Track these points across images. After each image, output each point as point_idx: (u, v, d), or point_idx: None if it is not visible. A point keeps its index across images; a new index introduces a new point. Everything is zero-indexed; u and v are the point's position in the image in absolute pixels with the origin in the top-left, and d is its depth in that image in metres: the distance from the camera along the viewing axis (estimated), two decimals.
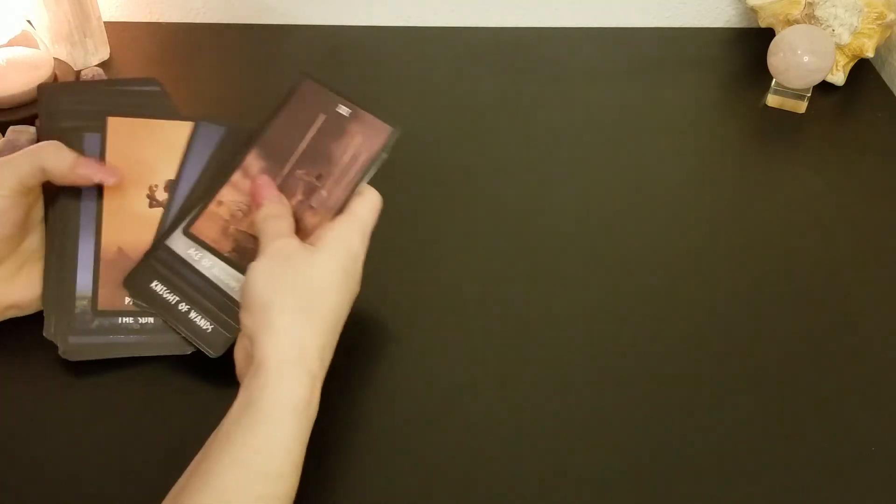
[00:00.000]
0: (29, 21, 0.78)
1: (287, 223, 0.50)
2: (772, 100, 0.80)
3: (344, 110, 0.53)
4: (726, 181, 0.72)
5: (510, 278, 0.62)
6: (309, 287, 0.47)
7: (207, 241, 0.53)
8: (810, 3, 0.81)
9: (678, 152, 0.75)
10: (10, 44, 0.74)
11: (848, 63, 0.83)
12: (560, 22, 0.92)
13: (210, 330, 0.52)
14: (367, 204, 0.52)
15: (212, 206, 0.53)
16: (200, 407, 0.52)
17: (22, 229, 0.53)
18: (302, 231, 0.51)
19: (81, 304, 0.53)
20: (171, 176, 0.56)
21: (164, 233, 0.54)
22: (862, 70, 0.85)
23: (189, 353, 0.53)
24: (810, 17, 0.81)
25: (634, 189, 0.70)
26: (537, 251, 0.64)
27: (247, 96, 0.80)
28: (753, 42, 0.89)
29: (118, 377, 0.54)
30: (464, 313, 0.59)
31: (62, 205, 0.55)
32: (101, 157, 0.56)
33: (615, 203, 0.69)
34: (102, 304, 0.53)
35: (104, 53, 0.84)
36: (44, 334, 0.53)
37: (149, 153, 0.56)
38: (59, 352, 0.53)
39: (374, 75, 0.84)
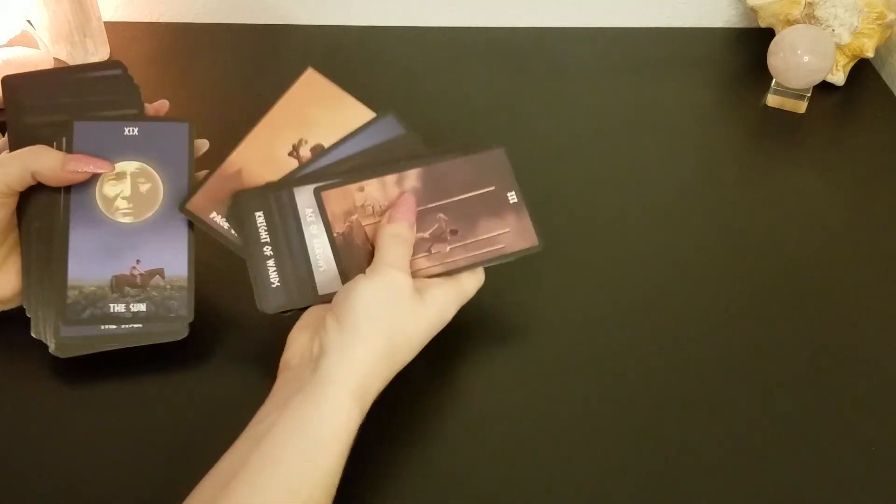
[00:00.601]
0: (29, 21, 0.78)
1: (408, 253, 0.51)
2: (772, 100, 0.80)
3: (512, 198, 0.55)
4: (726, 181, 0.72)
5: (510, 278, 0.62)
6: (402, 338, 0.47)
7: (328, 211, 0.52)
8: (810, 3, 0.81)
9: (678, 152, 0.75)
10: (10, 44, 0.74)
11: (848, 63, 0.83)
12: (560, 22, 0.92)
13: (276, 286, 0.51)
14: (475, 282, 0.53)
15: (353, 186, 0.53)
16: (199, 406, 0.53)
17: (7, 227, 0.53)
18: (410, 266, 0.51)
19: (73, 293, 0.52)
20: (322, 141, 0.55)
21: (296, 179, 0.53)
22: (862, 70, 0.85)
23: (183, 337, 0.53)
24: (810, 17, 0.81)
25: (634, 189, 0.70)
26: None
27: (247, 96, 0.80)
28: (753, 42, 0.89)
29: (112, 373, 0.54)
30: (464, 312, 0.59)
31: (39, 201, 0.54)
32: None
33: (615, 203, 0.69)
34: (192, 205, 0.53)
35: (104, 53, 0.84)
36: (32, 334, 0.53)
37: (317, 113, 0.55)
38: (50, 349, 0.52)
39: (375, 75, 0.84)
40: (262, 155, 0.55)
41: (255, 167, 0.54)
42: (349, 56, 0.87)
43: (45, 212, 0.54)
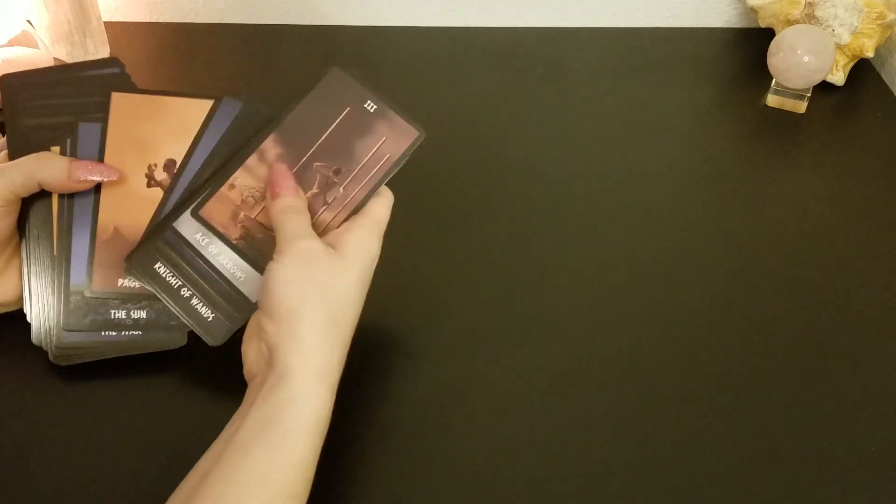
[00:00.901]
0: (29, 21, 0.78)
1: (306, 220, 0.49)
2: (772, 100, 0.80)
3: (371, 106, 0.52)
4: (726, 181, 0.72)
5: (510, 277, 0.62)
6: (337, 299, 0.46)
7: (216, 225, 0.51)
8: (810, 3, 0.81)
9: (678, 152, 0.75)
10: (10, 44, 0.74)
11: (848, 63, 0.83)
12: (560, 22, 0.92)
13: (211, 318, 0.51)
14: (384, 205, 0.51)
15: (223, 189, 0.52)
16: (197, 409, 0.53)
17: (11, 233, 0.52)
18: (315, 226, 0.50)
19: (75, 298, 0.52)
20: (172, 155, 0.54)
21: (170, 213, 0.52)
22: (862, 70, 0.85)
23: (183, 345, 0.53)
24: (810, 17, 0.81)
25: (634, 189, 0.70)
26: (536, 250, 0.64)
27: (247, 97, 0.80)
28: (753, 42, 0.89)
29: (110, 377, 0.54)
30: (464, 312, 0.59)
31: (40, 206, 0.53)
32: (102, 139, 0.54)
33: (615, 203, 0.69)
34: (95, 286, 0.53)
35: (104, 53, 0.84)
36: (32, 341, 0.53)
37: (150, 130, 0.54)
38: (50, 357, 0.52)
39: (374, 75, 0.84)
40: (125, 201, 0.53)
41: (125, 218, 0.53)
42: (349, 56, 0.87)
43: (45, 217, 0.53)
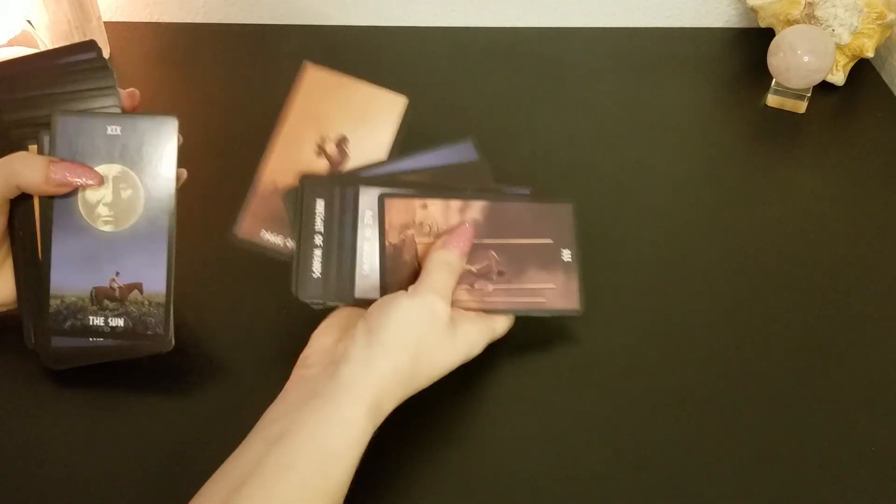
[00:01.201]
0: (29, 21, 0.78)
1: (453, 283, 0.51)
2: (772, 100, 0.80)
3: (566, 256, 0.54)
4: (726, 181, 0.72)
5: None
6: (426, 363, 0.47)
7: (387, 220, 0.52)
8: (810, 3, 0.81)
9: (678, 152, 0.75)
10: (10, 44, 0.74)
11: (848, 63, 0.83)
12: (560, 22, 0.92)
13: (316, 277, 0.51)
14: (506, 325, 0.54)
15: (416, 202, 0.53)
16: (196, 409, 0.52)
17: (2, 234, 0.52)
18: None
19: (55, 302, 0.51)
20: (343, 132, 0.55)
21: (364, 178, 0.53)
22: (862, 70, 0.85)
23: (169, 350, 0.52)
24: (810, 17, 0.81)
25: (634, 189, 0.70)
26: None
27: (247, 96, 0.80)
28: (753, 42, 0.89)
29: (108, 379, 0.54)
30: None
31: (25, 209, 0.53)
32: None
33: (615, 202, 0.69)
34: (243, 232, 0.53)
35: (104, 53, 0.84)
36: (26, 344, 0.53)
37: (331, 106, 0.55)
38: (42, 360, 0.52)
39: (374, 75, 0.84)
40: (292, 166, 0.54)
41: (290, 179, 0.54)
42: (349, 56, 0.87)
43: (28, 220, 0.53)
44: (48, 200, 0.52)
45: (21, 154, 0.51)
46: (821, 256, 0.65)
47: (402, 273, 0.52)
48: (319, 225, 0.52)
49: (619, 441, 0.51)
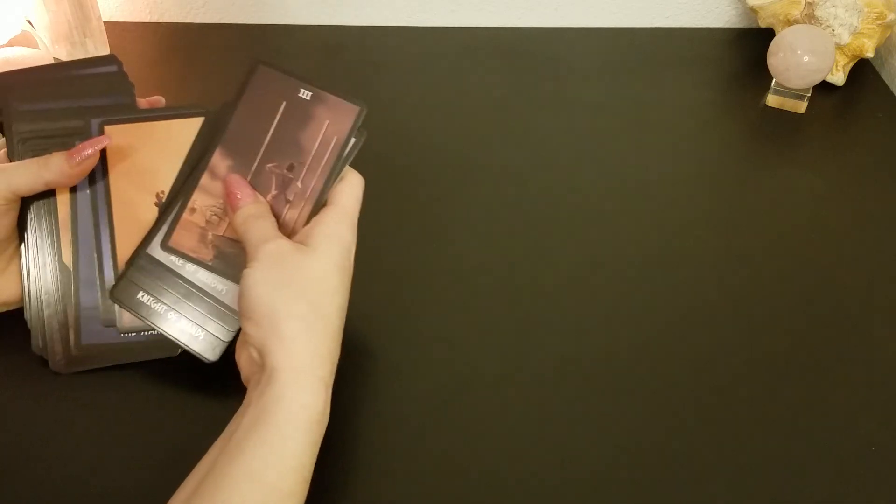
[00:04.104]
0: (29, 21, 0.78)
1: (270, 222, 0.48)
2: (772, 100, 0.80)
3: (305, 94, 0.51)
4: (726, 181, 0.72)
5: (510, 277, 0.62)
6: (312, 290, 0.45)
7: (187, 251, 0.51)
8: (810, 3, 0.81)
9: (678, 152, 0.75)
10: (10, 44, 0.74)
11: (848, 63, 0.83)
12: (560, 22, 0.92)
13: (202, 337, 0.51)
14: (351, 191, 0.50)
15: (185, 215, 0.51)
16: (196, 409, 0.52)
17: (11, 232, 0.52)
18: (282, 227, 0.49)
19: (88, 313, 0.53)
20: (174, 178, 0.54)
21: (143, 241, 0.52)
22: (862, 70, 0.85)
23: (178, 353, 0.52)
24: (810, 17, 0.81)
25: (634, 189, 0.70)
26: (536, 250, 0.64)
27: (237, 83, 0.80)
28: (753, 42, 0.89)
29: (109, 379, 0.54)
30: (464, 311, 0.59)
31: (39, 216, 0.53)
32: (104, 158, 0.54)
33: (615, 203, 0.69)
34: (124, 324, 0.53)
35: (104, 53, 0.84)
36: (33, 349, 0.53)
37: (149, 158, 0.53)
38: (50, 365, 0.52)
39: (374, 75, 0.84)
40: (141, 230, 0.52)
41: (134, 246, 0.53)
42: (349, 56, 0.87)
43: (40, 226, 0.53)
44: (73, 208, 0.53)
45: (45, 156, 0.51)
46: (821, 256, 0.65)
47: (243, 263, 0.48)
48: (160, 307, 0.51)
49: (618, 441, 0.51)
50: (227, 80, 0.83)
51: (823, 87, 0.82)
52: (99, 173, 0.53)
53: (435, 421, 0.52)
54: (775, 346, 0.57)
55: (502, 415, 0.53)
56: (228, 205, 0.49)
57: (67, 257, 0.53)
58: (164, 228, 0.51)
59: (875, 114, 0.81)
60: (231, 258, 0.50)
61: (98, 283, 0.53)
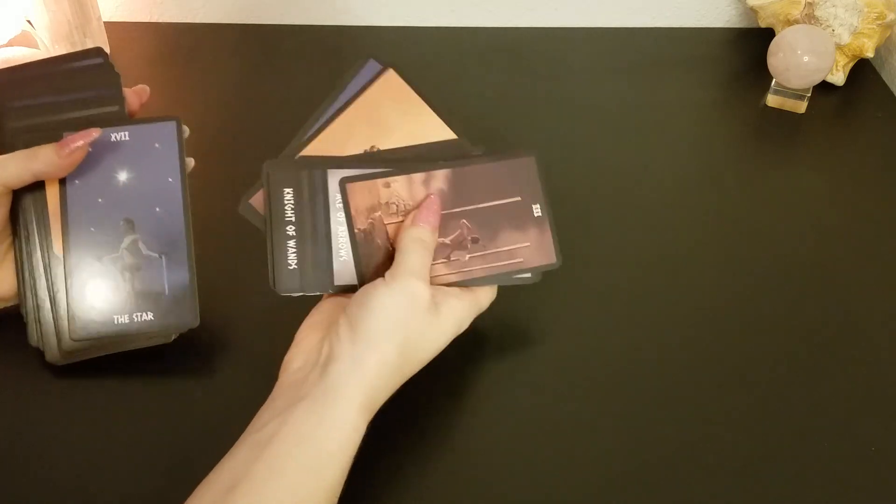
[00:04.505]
0: (29, 21, 0.78)
1: (429, 260, 0.49)
2: (772, 100, 0.80)
3: (537, 211, 0.53)
4: (726, 181, 0.72)
5: None
6: (414, 350, 0.47)
7: (352, 205, 0.51)
8: (810, 3, 0.81)
9: (678, 152, 0.75)
10: (10, 44, 0.74)
11: (848, 63, 0.83)
12: (560, 22, 0.92)
13: (293, 269, 0.50)
14: (490, 297, 0.52)
15: (378, 182, 0.51)
16: (196, 407, 0.52)
17: (4, 227, 0.53)
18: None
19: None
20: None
21: (331, 161, 0.51)
22: (862, 70, 0.85)
23: (172, 340, 0.52)
24: (810, 17, 0.81)
25: (634, 189, 0.70)
26: None
27: (247, 96, 0.80)
28: (753, 42, 0.89)
29: (108, 377, 0.54)
30: None
31: (30, 209, 0.53)
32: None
33: (614, 202, 0.69)
34: (257, 200, 0.52)
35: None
36: (29, 342, 0.53)
37: (394, 118, 0.54)
38: (47, 358, 0.52)
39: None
40: (336, 153, 0.53)
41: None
42: (349, 56, 0.87)
43: (31, 219, 0.53)
44: (63, 200, 0.52)
45: (33, 148, 0.51)
46: (821, 256, 0.65)
47: (376, 258, 0.51)
48: (290, 214, 0.50)
49: (619, 440, 0.51)
50: (226, 80, 0.83)
51: (823, 87, 0.82)
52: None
53: (434, 419, 0.52)
54: (774, 345, 0.57)
55: (500, 417, 0.53)
56: (415, 214, 0.50)
57: (59, 247, 0.53)
58: (357, 173, 0.51)
59: (875, 114, 0.81)
60: (373, 246, 0.51)
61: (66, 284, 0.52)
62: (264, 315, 0.57)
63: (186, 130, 0.55)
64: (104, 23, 0.84)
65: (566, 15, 0.91)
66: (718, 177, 0.73)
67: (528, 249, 0.52)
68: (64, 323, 0.52)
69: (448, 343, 0.49)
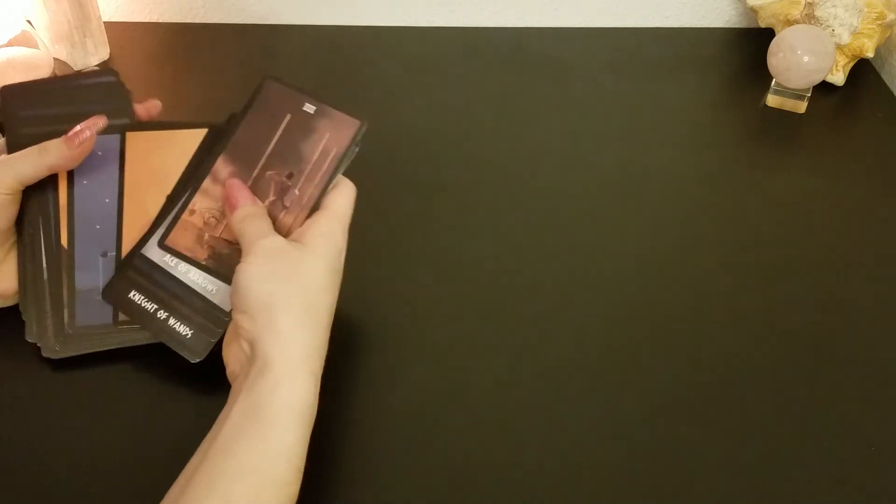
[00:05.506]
0: (29, 21, 0.78)
1: (266, 222, 0.50)
2: (772, 100, 0.80)
3: (310, 108, 0.53)
4: (726, 181, 0.72)
5: (509, 277, 0.62)
6: (306, 287, 0.46)
7: (183, 251, 0.53)
8: (810, 3, 0.81)
9: (678, 152, 0.75)
10: (10, 44, 0.74)
11: (848, 63, 0.83)
12: (560, 22, 0.92)
13: (190, 336, 0.52)
14: (345, 197, 0.51)
15: (185, 216, 0.53)
16: (191, 404, 0.52)
17: (12, 224, 0.53)
18: (278, 230, 0.50)
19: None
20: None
21: (139, 242, 0.54)
22: (862, 70, 0.85)
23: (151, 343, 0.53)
24: (810, 17, 0.81)
25: (634, 189, 0.70)
26: (536, 250, 0.64)
27: (246, 97, 0.80)
28: (753, 42, 0.89)
29: (105, 375, 0.54)
30: (464, 311, 0.59)
31: (34, 207, 0.54)
32: (121, 159, 0.56)
33: (615, 203, 0.69)
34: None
35: (104, 53, 0.84)
36: (27, 338, 0.53)
37: (165, 162, 0.56)
38: (43, 352, 0.53)
39: (374, 75, 0.84)
40: (145, 228, 0.54)
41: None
42: (349, 56, 0.87)
43: (36, 217, 0.54)
44: (69, 198, 0.55)
45: (43, 143, 0.53)
46: (821, 256, 0.65)
47: (236, 263, 0.49)
48: (150, 306, 0.53)
49: (615, 440, 0.51)
50: (226, 80, 0.83)
51: (823, 87, 0.82)
52: (115, 170, 0.55)
53: (432, 420, 0.52)
54: (774, 345, 0.57)
55: (498, 417, 0.53)
56: (227, 206, 0.51)
57: (65, 240, 0.54)
58: (163, 227, 0.53)
59: (875, 114, 0.81)
60: (225, 258, 0.52)
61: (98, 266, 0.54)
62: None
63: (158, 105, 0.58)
64: (104, 23, 0.84)
65: (566, 15, 0.91)
66: (718, 176, 0.73)
67: (332, 138, 0.52)
68: (64, 312, 0.53)
69: (337, 261, 0.49)
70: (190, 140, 0.56)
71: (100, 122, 0.53)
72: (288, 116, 0.53)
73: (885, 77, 0.85)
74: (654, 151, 0.75)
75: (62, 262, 0.54)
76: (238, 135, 0.54)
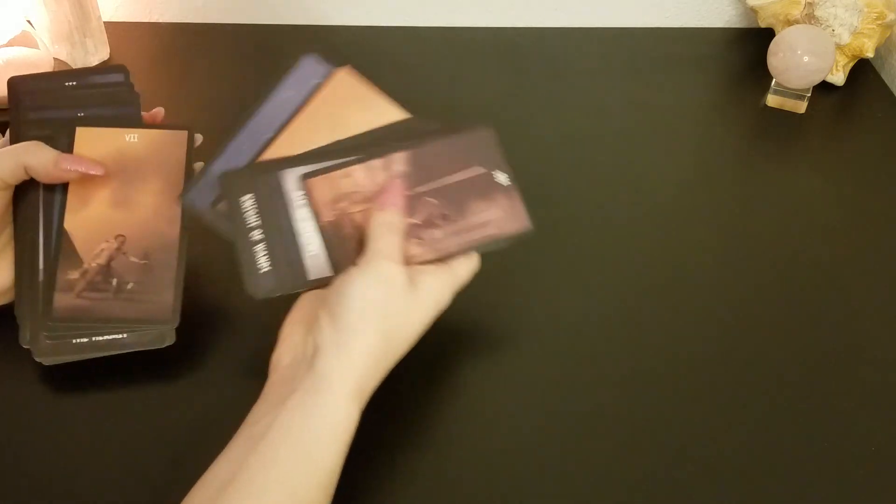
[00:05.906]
0: (29, 21, 0.78)
1: (400, 242, 0.49)
2: (772, 100, 0.80)
3: (502, 179, 0.53)
4: (726, 181, 0.72)
5: (508, 278, 0.62)
6: (398, 332, 0.46)
7: (315, 200, 0.51)
8: (810, 3, 0.81)
9: (678, 152, 0.75)
10: (10, 44, 0.74)
11: (848, 63, 0.83)
12: (560, 22, 0.92)
13: (265, 271, 0.49)
14: (469, 268, 0.51)
15: (338, 173, 0.51)
16: (192, 409, 0.52)
17: (2, 222, 0.53)
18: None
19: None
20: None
21: (284, 161, 0.52)
22: (862, 70, 0.85)
23: (165, 345, 0.52)
24: (810, 17, 0.81)
25: (634, 189, 0.70)
26: (535, 250, 0.64)
27: (247, 97, 0.80)
28: (753, 42, 0.89)
29: (103, 379, 0.54)
30: (462, 313, 0.59)
31: (30, 209, 0.54)
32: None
33: (615, 203, 0.69)
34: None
35: (104, 53, 0.84)
36: (21, 344, 0.53)
37: (352, 114, 0.54)
38: (34, 355, 0.52)
39: (374, 75, 0.84)
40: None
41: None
42: (349, 56, 0.87)
43: (33, 221, 0.54)
44: (53, 196, 0.53)
45: (34, 141, 0.52)
46: (821, 256, 0.65)
47: (348, 247, 0.50)
48: (253, 220, 0.50)
49: (617, 442, 0.51)
50: (226, 80, 0.83)
51: (823, 87, 0.82)
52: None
53: (430, 426, 0.52)
54: (774, 345, 0.57)
55: (498, 418, 0.53)
56: (379, 200, 0.50)
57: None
58: (314, 167, 0.51)
59: (875, 114, 0.81)
60: (341, 237, 0.51)
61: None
62: (251, 313, 0.57)
63: (199, 139, 0.56)
64: (104, 23, 0.84)
65: (566, 15, 0.91)
66: (718, 176, 0.73)
67: (500, 218, 0.52)
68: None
69: (432, 321, 0.49)
70: (390, 116, 0.55)
71: (98, 171, 0.53)
72: (479, 169, 0.53)
73: (885, 77, 0.85)
74: (653, 151, 0.75)
75: (57, 266, 0.53)
76: (429, 147, 0.53)
